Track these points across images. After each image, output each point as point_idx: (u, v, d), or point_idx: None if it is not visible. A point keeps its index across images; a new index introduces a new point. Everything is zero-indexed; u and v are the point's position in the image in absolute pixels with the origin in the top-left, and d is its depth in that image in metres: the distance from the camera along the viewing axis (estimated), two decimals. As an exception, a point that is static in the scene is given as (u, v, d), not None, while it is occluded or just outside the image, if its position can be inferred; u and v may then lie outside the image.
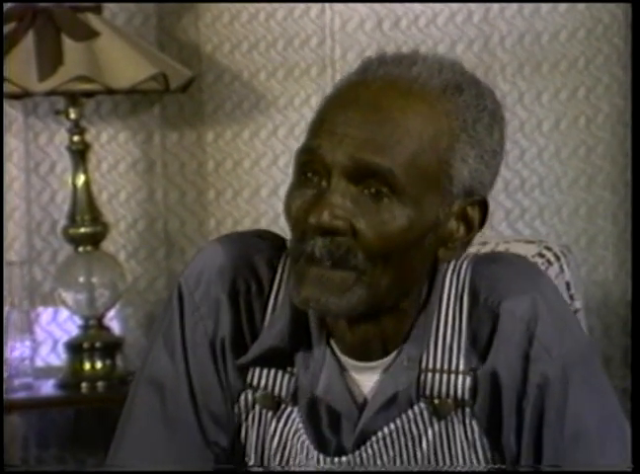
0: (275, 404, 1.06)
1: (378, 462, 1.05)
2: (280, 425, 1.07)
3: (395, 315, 1.03)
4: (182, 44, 2.25)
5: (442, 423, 1.04)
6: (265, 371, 1.07)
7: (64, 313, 2.18)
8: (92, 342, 2.08)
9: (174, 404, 1.07)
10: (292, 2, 2.24)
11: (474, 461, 1.05)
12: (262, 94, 2.25)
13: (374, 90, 0.98)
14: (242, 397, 1.08)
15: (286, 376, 1.06)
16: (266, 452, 1.08)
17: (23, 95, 2.02)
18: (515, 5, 2.27)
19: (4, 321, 2.06)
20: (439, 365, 1.04)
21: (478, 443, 1.05)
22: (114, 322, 2.18)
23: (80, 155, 2.10)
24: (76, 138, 2.09)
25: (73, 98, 2.06)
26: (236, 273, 1.07)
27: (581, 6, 2.28)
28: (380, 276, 0.98)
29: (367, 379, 1.05)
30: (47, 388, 2.08)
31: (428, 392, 1.04)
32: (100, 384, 2.07)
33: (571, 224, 2.33)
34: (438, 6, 2.26)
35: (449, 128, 0.98)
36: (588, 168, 2.33)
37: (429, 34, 2.25)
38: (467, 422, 1.04)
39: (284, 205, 1.01)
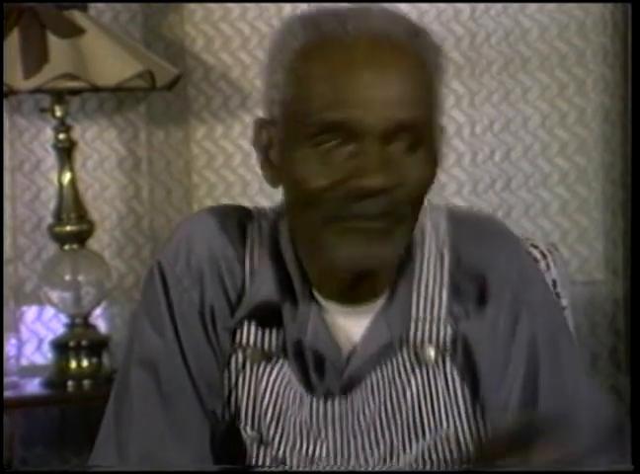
0: (265, 358, 1.10)
1: (366, 412, 1.07)
2: (272, 378, 1.10)
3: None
4: (168, 42, 2.24)
5: (425, 372, 1.08)
6: (253, 329, 1.10)
7: (50, 311, 2.18)
8: (78, 340, 2.07)
9: (169, 382, 1.09)
10: (281, 2, 2.23)
11: (455, 413, 1.08)
12: (249, 92, 2.25)
13: (366, 48, 1.02)
14: (233, 359, 1.11)
15: (274, 331, 1.09)
16: (257, 411, 1.10)
17: (8, 93, 2.01)
18: (502, 2, 2.27)
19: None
20: (421, 315, 1.08)
21: (459, 394, 1.08)
22: (100, 320, 2.17)
23: (66, 153, 2.09)
24: (62, 136, 2.08)
25: (59, 95, 2.06)
26: (212, 241, 1.10)
27: (567, 4, 2.28)
28: (414, 218, 1.06)
29: (355, 323, 1.08)
30: (33, 387, 2.07)
31: (412, 340, 1.08)
32: (86, 383, 2.05)
33: (557, 222, 2.33)
34: (424, 5, 2.26)
35: (431, 74, 1.06)
36: (574, 166, 2.34)
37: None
38: (448, 371, 1.08)
39: (303, 179, 1.02)
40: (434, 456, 1.08)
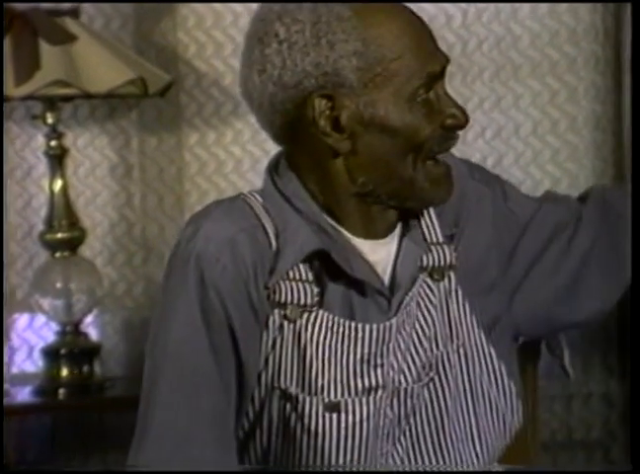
0: (301, 313, 1.15)
1: (403, 332, 1.18)
2: (310, 330, 1.15)
3: None
4: (160, 49, 2.24)
5: (437, 290, 1.20)
6: (288, 286, 1.15)
7: (41, 319, 2.17)
8: (69, 348, 2.07)
9: (195, 370, 1.12)
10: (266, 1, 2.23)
11: (459, 325, 1.20)
12: (240, 99, 2.24)
13: (411, 13, 1.19)
14: (270, 320, 1.15)
15: (307, 285, 1.16)
16: (300, 366, 1.15)
17: (-1, 99, 2.01)
18: (492, 9, 2.28)
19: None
20: (428, 240, 1.21)
21: (461, 308, 1.21)
22: (91, 328, 2.17)
23: (57, 160, 2.09)
24: (53, 143, 2.08)
25: (50, 102, 2.05)
26: (234, 219, 1.15)
27: (560, 8, 2.29)
28: None
29: (384, 256, 1.19)
30: (24, 395, 2.07)
31: (424, 264, 1.20)
32: (77, 391, 2.05)
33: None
34: (414, 10, 2.26)
35: None
36: (566, 173, 2.34)
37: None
38: (454, 287, 1.21)
39: (418, 130, 1.15)
40: (447, 368, 1.19)
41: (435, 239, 1.21)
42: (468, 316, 1.21)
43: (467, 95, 2.29)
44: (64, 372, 2.06)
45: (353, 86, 1.14)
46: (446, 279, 1.21)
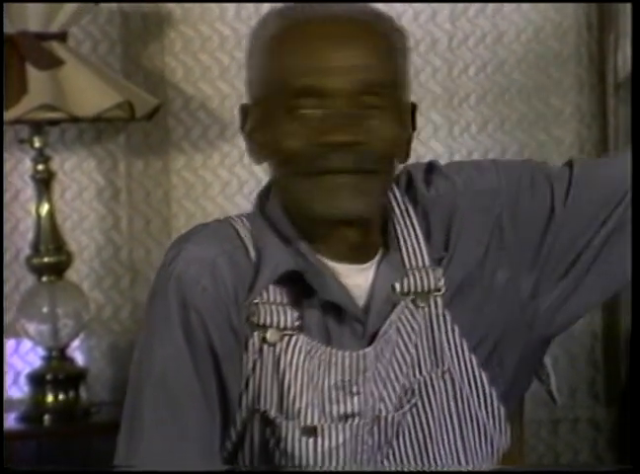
0: (281, 336, 1.15)
1: (383, 360, 1.17)
2: (289, 354, 1.15)
3: (380, 214, 1.20)
4: (147, 72, 2.24)
5: (421, 315, 1.19)
6: (267, 309, 1.15)
7: (27, 344, 2.16)
8: (55, 373, 2.06)
9: (179, 392, 1.13)
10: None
11: (447, 350, 1.18)
12: (228, 122, 2.25)
13: (328, 23, 1.15)
14: (250, 342, 1.16)
15: (288, 308, 1.16)
16: (279, 389, 1.15)
17: (-14, 123, 2.00)
18: (478, 33, 2.29)
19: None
20: (409, 265, 1.19)
21: (450, 332, 1.19)
22: (77, 352, 2.16)
23: (44, 184, 2.08)
24: (40, 167, 2.08)
25: (37, 126, 2.05)
26: (216, 242, 1.16)
27: (546, 33, 2.31)
28: (386, 174, 1.17)
29: (362, 281, 1.18)
30: (9, 422, 2.05)
31: (406, 289, 1.19)
32: (63, 417, 2.04)
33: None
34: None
35: (395, 46, 1.18)
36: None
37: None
38: (440, 312, 1.19)
39: (280, 143, 1.14)
40: (431, 395, 1.18)
41: (418, 263, 1.19)
42: (457, 340, 1.19)
43: (454, 118, 2.30)
44: (49, 398, 2.05)
45: (257, 99, 1.17)
46: (432, 305, 1.19)
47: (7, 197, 2.22)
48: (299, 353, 1.15)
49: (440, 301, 1.19)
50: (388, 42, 1.16)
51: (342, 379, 1.16)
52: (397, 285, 1.18)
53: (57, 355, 2.08)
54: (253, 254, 1.16)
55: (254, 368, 1.15)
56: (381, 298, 1.17)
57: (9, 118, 1.97)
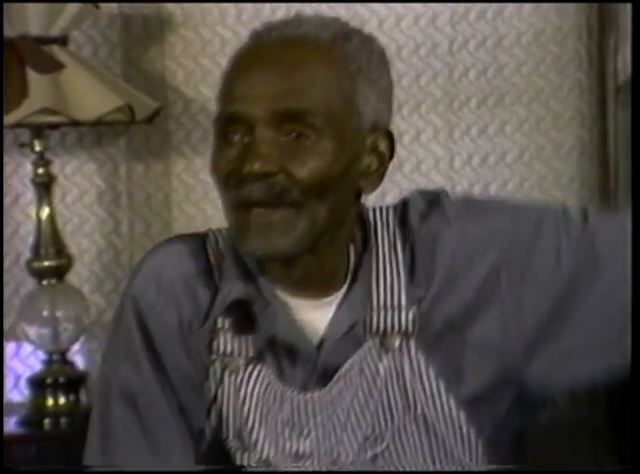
0: (243, 365, 1.13)
1: (342, 403, 1.11)
2: (251, 384, 1.12)
3: (331, 249, 1.12)
4: (148, 76, 2.25)
5: (391, 358, 1.11)
6: (229, 337, 1.13)
7: (27, 348, 2.16)
8: (55, 377, 2.05)
9: (150, 416, 1.13)
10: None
11: (421, 393, 1.12)
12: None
13: (273, 49, 1.10)
14: (211, 370, 1.13)
15: (249, 337, 1.12)
16: (238, 419, 1.12)
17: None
18: (478, 36, 2.30)
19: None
20: (382, 303, 1.12)
21: (424, 375, 1.12)
22: (78, 356, 2.16)
23: (45, 187, 2.09)
24: (41, 171, 2.08)
25: (38, 130, 2.05)
26: (179, 262, 1.14)
27: (546, 37, 2.31)
28: (316, 207, 1.08)
29: (319, 317, 1.12)
30: (10, 425, 2.05)
31: (375, 329, 1.12)
32: (63, 420, 2.04)
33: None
34: (401, 38, 2.28)
35: (348, 72, 1.10)
36: (552, 200, 2.35)
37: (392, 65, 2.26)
38: (413, 355, 1.12)
39: (212, 168, 1.10)
40: (404, 439, 1.12)
41: (393, 302, 1.12)
42: (433, 383, 1.12)
43: (454, 121, 2.31)
44: (50, 402, 2.05)
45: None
46: (404, 347, 1.11)
47: (7, 200, 2.22)
48: (260, 384, 1.12)
49: (412, 343, 1.12)
50: (335, 68, 1.08)
51: (291, 419, 1.11)
52: (358, 324, 1.11)
53: (58, 358, 2.08)
54: (217, 275, 1.13)
55: (215, 397, 1.13)
56: (339, 337, 1.11)
57: (9, 121, 1.97)
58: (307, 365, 1.12)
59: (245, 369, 1.12)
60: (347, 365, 1.12)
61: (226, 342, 1.13)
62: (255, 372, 1.12)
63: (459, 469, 1.13)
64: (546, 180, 2.35)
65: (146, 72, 2.24)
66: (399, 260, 1.13)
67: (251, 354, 1.12)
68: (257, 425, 1.12)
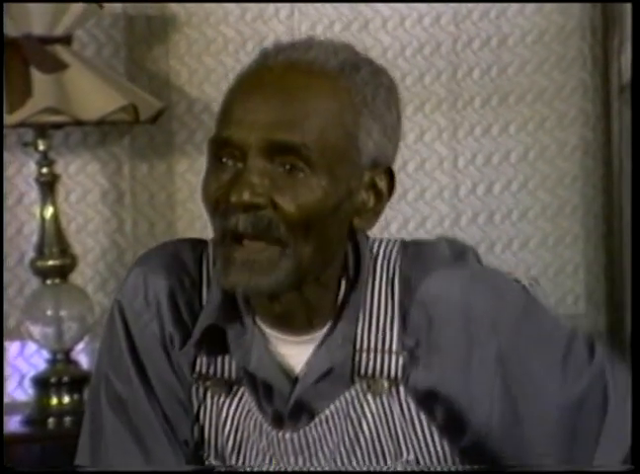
0: (225, 388, 1.10)
1: (325, 446, 1.07)
2: (232, 408, 1.10)
3: (317, 287, 1.07)
4: (152, 75, 2.25)
5: (379, 402, 1.07)
6: (212, 358, 1.10)
7: (32, 347, 2.16)
8: (59, 376, 2.06)
9: (139, 424, 1.11)
10: (257, 3, 2.24)
11: (413, 438, 1.08)
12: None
13: (276, 74, 1.04)
14: (193, 389, 1.11)
15: (233, 360, 1.09)
16: (219, 440, 1.10)
17: (-10, 127, 2.01)
18: (483, 35, 2.30)
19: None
20: (372, 345, 1.07)
21: (415, 420, 1.08)
22: (82, 355, 2.16)
23: (48, 187, 2.09)
24: (44, 170, 2.08)
25: (42, 130, 2.05)
26: (168, 272, 1.11)
27: (549, 36, 2.31)
28: (303, 245, 1.03)
29: (298, 353, 1.08)
30: (14, 425, 2.05)
31: (363, 372, 1.07)
32: (67, 420, 2.04)
33: (539, 255, 2.34)
34: (405, 37, 2.28)
35: (352, 104, 1.04)
36: (555, 199, 2.36)
37: (396, 65, 2.27)
38: (403, 399, 1.07)
39: (202, 191, 1.06)
40: None
41: (385, 345, 1.06)
42: (425, 429, 1.08)
43: (458, 121, 2.31)
44: (54, 401, 2.05)
45: None
46: (393, 392, 1.07)
47: (11, 200, 2.22)
48: (242, 409, 1.10)
49: (402, 389, 1.07)
50: (339, 98, 1.03)
51: (269, 451, 1.09)
52: (336, 368, 1.06)
53: (62, 357, 2.08)
54: (205, 292, 1.11)
55: (197, 416, 1.11)
56: (313, 380, 1.06)
57: (13, 121, 1.97)
58: (281, 400, 1.08)
59: (228, 392, 1.10)
60: (331, 408, 1.07)
61: (209, 363, 1.10)
62: (237, 397, 1.10)
63: None
64: (550, 179, 2.35)
65: (150, 72, 2.25)
66: (395, 303, 1.08)
67: (234, 377, 1.09)
68: (236, 449, 1.10)
